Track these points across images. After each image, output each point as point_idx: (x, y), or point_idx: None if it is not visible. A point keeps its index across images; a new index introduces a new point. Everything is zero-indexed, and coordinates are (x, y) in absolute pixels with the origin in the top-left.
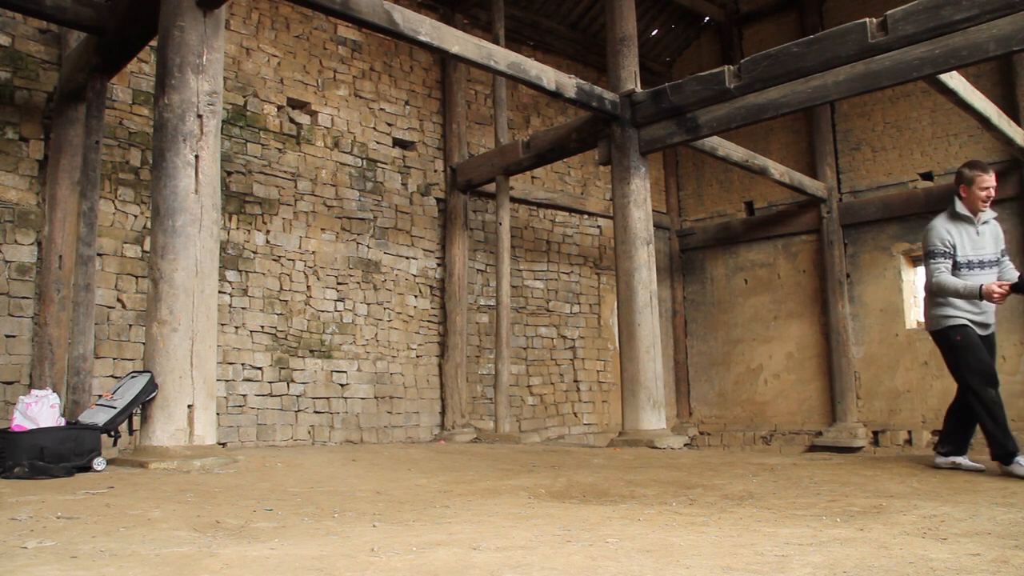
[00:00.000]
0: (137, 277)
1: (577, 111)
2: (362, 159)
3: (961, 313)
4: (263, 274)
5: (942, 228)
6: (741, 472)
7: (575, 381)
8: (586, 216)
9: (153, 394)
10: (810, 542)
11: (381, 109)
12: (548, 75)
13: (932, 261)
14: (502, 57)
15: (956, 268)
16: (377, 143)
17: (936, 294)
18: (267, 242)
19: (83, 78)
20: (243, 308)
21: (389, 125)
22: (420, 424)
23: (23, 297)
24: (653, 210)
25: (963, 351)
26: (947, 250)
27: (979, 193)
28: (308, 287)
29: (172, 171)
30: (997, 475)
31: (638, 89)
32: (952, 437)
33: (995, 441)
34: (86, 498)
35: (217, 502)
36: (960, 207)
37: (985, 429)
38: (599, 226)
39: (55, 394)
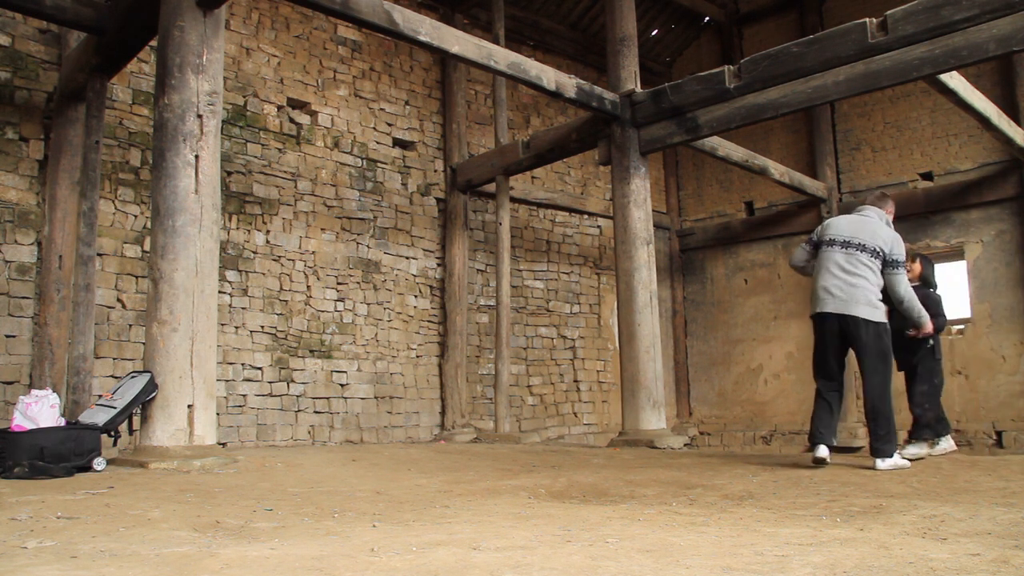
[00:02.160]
0: (137, 277)
1: (577, 111)
2: (362, 159)
3: None
4: (263, 274)
5: None
6: (741, 472)
7: (575, 381)
8: (586, 216)
9: (153, 394)
10: (810, 542)
11: (381, 109)
12: (548, 75)
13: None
14: (502, 57)
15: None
16: (377, 143)
17: (907, 304)
18: (267, 242)
19: (83, 78)
20: (243, 308)
21: (389, 125)
22: (420, 424)
23: (23, 297)
24: (653, 210)
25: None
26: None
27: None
28: (308, 287)
29: (172, 171)
30: (988, 471)
31: (638, 89)
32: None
33: (890, 438)
34: (86, 498)
35: (217, 502)
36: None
37: (890, 423)
38: (599, 226)
39: (55, 394)
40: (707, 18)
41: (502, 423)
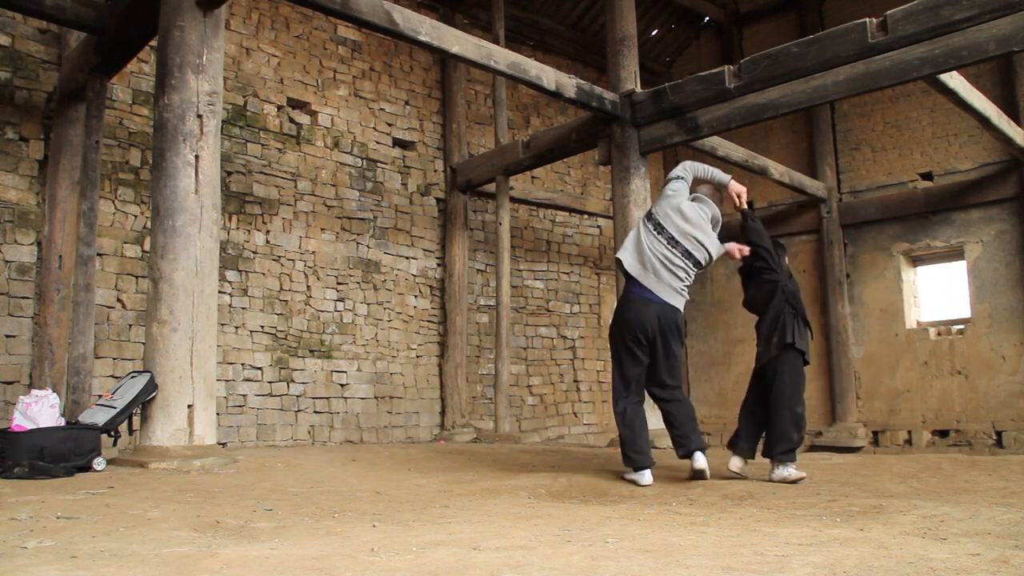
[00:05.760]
0: (137, 277)
1: (577, 111)
2: (362, 159)
3: None
4: (263, 274)
5: None
6: None
7: (575, 381)
8: (586, 216)
9: (153, 394)
10: (810, 542)
11: (381, 109)
12: (548, 75)
13: None
14: (502, 57)
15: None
16: (377, 143)
17: None
18: (267, 242)
19: (83, 78)
20: (243, 308)
21: (389, 125)
22: (420, 424)
23: (23, 297)
24: None
25: None
26: None
27: None
28: (308, 287)
29: (172, 171)
30: (988, 471)
31: (638, 89)
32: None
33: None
34: (86, 498)
35: (217, 502)
36: None
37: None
38: (599, 226)
39: (55, 394)
40: (707, 18)
41: (502, 423)
